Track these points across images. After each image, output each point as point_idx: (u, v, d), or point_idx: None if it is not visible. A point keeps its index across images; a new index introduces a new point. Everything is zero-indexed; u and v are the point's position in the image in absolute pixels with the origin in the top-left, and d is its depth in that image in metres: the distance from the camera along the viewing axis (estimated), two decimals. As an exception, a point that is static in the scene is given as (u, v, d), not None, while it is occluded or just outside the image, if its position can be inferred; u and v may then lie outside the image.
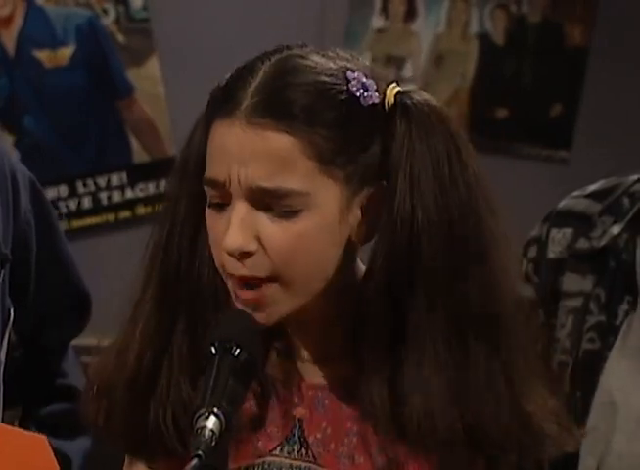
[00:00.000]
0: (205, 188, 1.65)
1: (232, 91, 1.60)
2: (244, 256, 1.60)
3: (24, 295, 2.07)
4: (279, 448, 1.72)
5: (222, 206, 1.62)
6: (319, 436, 1.71)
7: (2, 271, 2.02)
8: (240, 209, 1.60)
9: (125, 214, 3.72)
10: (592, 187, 2.14)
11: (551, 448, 1.70)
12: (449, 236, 1.62)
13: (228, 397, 1.56)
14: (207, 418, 1.52)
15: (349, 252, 1.65)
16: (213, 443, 1.51)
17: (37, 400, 2.15)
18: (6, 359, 2.05)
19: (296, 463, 1.71)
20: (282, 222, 1.61)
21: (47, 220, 2.12)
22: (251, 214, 1.61)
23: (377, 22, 4.00)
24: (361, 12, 4.01)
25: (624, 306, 2.07)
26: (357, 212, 1.62)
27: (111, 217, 3.75)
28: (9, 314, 2.05)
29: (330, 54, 1.62)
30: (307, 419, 1.71)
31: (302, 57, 1.61)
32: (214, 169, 1.62)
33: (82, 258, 3.63)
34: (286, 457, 1.72)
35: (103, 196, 3.75)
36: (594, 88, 3.81)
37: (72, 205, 3.74)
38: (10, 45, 3.90)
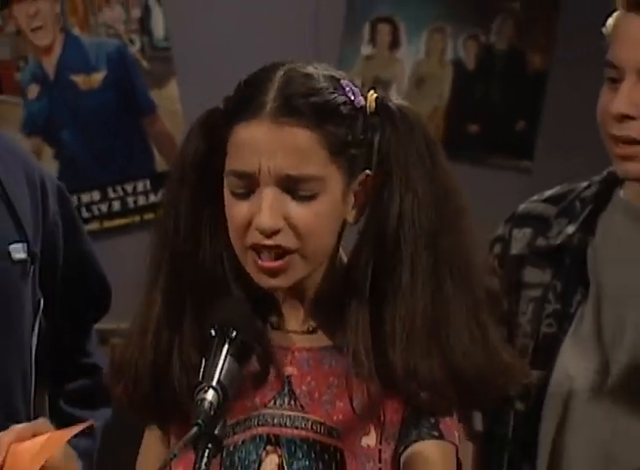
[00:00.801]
0: (231, 179, 1.69)
1: (253, 98, 1.67)
2: (273, 233, 1.66)
3: (52, 287, 2.10)
4: (272, 402, 1.75)
5: (247, 194, 1.66)
6: (305, 389, 1.75)
7: (32, 267, 2.06)
8: (269, 194, 1.65)
9: (149, 216, 3.77)
10: (548, 192, 2.18)
11: (513, 381, 1.75)
12: (431, 216, 1.69)
13: (225, 373, 1.60)
14: (207, 391, 1.57)
15: (342, 231, 1.72)
16: (212, 413, 1.56)
17: (65, 377, 2.17)
18: (37, 342, 2.09)
19: (286, 413, 1.75)
20: (303, 204, 1.67)
21: (72, 222, 2.16)
22: (278, 199, 1.66)
23: (366, 50, 4.05)
24: (352, 41, 4.05)
25: (578, 297, 2.09)
26: (352, 197, 1.70)
27: (136, 219, 3.80)
28: (39, 304, 2.09)
29: (314, 65, 1.70)
30: (295, 376, 1.75)
31: (302, 68, 1.69)
32: (244, 163, 1.67)
33: (112, 254, 3.70)
34: (278, 409, 1.75)
35: (130, 200, 3.80)
36: (553, 107, 3.89)
37: (104, 208, 3.81)
38: (50, 70, 3.95)
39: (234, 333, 1.61)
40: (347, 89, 1.67)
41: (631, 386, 2.06)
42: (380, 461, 1.72)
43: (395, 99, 1.73)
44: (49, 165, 3.75)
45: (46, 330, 2.10)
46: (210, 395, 1.55)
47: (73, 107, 3.99)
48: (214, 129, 1.72)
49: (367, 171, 1.68)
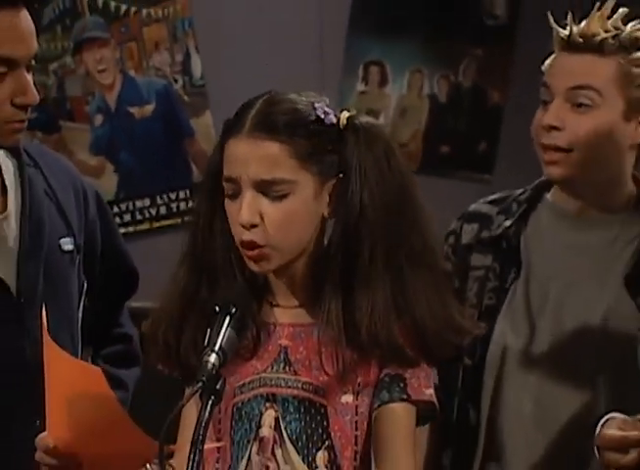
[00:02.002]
0: (225, 184, 1.75)
1: (238, 120, 1.72)
2: (252, 226, 1.71)
3: (93, 273, 2.15)
4: (270, 368, 1.81)
5: (235, 195, 1.73)
6: (298, 357, 1.80)
7: (78, 257, 2.10)
8: (248, 195, 1.71)
9: (188, 218, 3.75)
10: (492, 197, 2.25)
11: (466, 336, 1.82)
12: (387, 209, 1.75)
13: (226, 340, 1.65)
14: (210, 355, 1.63)
15: (321, 224, 1.76)
16: (214, 371, 1.61)
17: (103, 343, 2.22)
18: (82, 316, 2.13)
19: (281, 376, 1.81)
20: (276, 203, 1.72)
21: (107, 222, 2.22)
22: (255, 199, 1.71)
23: (360, 86, 4.11)
24: (350, 80, 4.11)
25: (512, 276, 2.15)
26: (326, 196, 1.74)
27: (178, 220, 3.92)
28: (83, 286, 2.13)
29: (303, 93, 1.77)
30: (290, 346, 1.81)
31: (283, 95, 1.76)
32: (230, 171, 1.72)
33: (159, 249, 3.85)
34: (275, 373, 1.81)
35: (173, 206, 3.90)
36: (508, 132, 3.97)
37: (153, 212, 3.92)
38: (111, 103, 4.07)
39: (233, 309, 1.67)
40: (319, 111, 1.72)
41: (552, 346, 2.13)
42: (356, 414, 1.79)
43: (365, 118, 1.80)
44: (110, 178, 3.93)
45: (89, 307, 2.14)
46: (213, 357, 1.62)
47: (130, 132, 4.09)
48: (220, 146, 1.76)
49: (340, 175, 1.74)
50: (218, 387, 1.62)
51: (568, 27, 2.08)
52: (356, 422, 1.79)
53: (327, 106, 1.74)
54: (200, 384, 1.58)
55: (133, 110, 4.04)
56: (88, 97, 4.11)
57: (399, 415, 1.80)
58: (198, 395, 1.60)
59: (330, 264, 1.77)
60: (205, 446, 1.64)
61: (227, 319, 1.66)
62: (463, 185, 3.96)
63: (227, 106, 1.83)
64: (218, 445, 1.80)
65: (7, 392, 1.94)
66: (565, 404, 2.12)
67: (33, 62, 1.98)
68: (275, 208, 1.71)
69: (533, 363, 2.16)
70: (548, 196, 2.18)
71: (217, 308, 1.67)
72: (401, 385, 1.78)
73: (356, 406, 1.79)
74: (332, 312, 1.76)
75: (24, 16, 1.94)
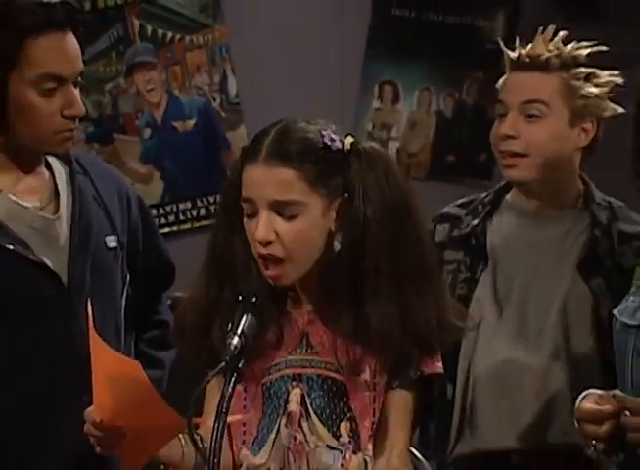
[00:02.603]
0: (243, 204, 1.75)
1: (255, 147, 1.73)
2: (267, 243, 1.72)
3: (135, 266, 2.13)
4: (294, 351, 1.81)
5: (253, 215, 1.73)
6: (318, 340, 1.80)
7: (121, 252, 2.09)
8: (264, 215, 1.71)
9: None
10: (460, 200, 2.31)
11: (455, 335, 1.83)
12: (388, 222, 1.75)
13: (247, 326, 1.68)
14: (232, 338, 1.65)
15: (329, 238, 1.77)
16: (236, 352, 1.63)
17: (144, 328, 2.20)
18: (125, 305, 2.11)
19: (305, 358, 1.81)
20: (289, 222, 1.72)
21: (148, 222, 2.21)
22: (270, 218, 1.71)
23: (375, 103, 4.12)
24: (366, 98, 4.12)
25: (480, 267, 2.20)
26: (333, 213, 1.75)
27: None
28: (126, 278, 2.11)
29: (312, 122, 1.76)
30: (310, 331, 1.81)
31: (295, 124, 1.75)
32: (248, 192, 1.74)
33: (199, 246, 3.92)
34: (299, 355, 1.81)
35: (212, 208, 3.86)
36: None
37: (194, 213, 3.95)
38: (158, 118, 4.11)
39: (254, 298, 1.70)
40: (327, 138, 1.73)
41: (518, 328, 2.17)
42: (374, 390, 1.79)
43: (367, 143, 1.81)
44: (157, 184, 3.97)
45: (132, 296, 2.13)
46: (235, 340, 1.64)
47: (174, 144, 4.12)
48: (237, 169, 1.78)
49: (345, 194, 1.74)
50: (240, 366, 1.64)
51: (516, 50, 2.13)
52: (374, 396, 1.80)
53: (333, 133, 1.75)
54: (223, 363, 1.61)
55: (177, 124, 4.08)
56: (138, 113, 4.13)
57: (407, 395, 1.81)
58: (222, 373, 1.62)
59: (339, 275, 1.76)
60: (230, 419, 1.66)
61: (248, 307, 1.69)
62: (466, 190, 3.57)
63: (259, 121, 1.87)
64: (241, 418, 1.80)
65: (58, 369, 1.94)
66: (529, 376, 2.13)
67: (80, 78, 1.98)
68: (288, 226, 1.71)
69: (501, 343, 2.16)
70: (508, 197, 2.21)
71: (240, 298, 1.70)
72: (411, 370, 1.79)
73: (374, 384, 1.79)
74: (343, 319, 1.76)
75: (70, 38, 1.93)
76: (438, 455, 2.18)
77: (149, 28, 4.10)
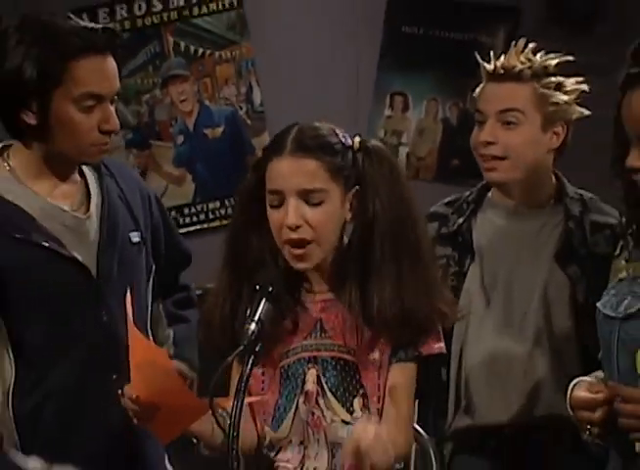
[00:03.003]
0: (269, 196, 1.75)
1: (279, 143, 1.75)
2: (297, 227, 1.73)
3: (159, 257, 2.14)
4: (309, 336, 1.82)
5: (279, 205, 1.74)
6: (331, 325, 1.81)
7: (144, 247, 2.08)
8: (292, 202, 1.73)
9: None
10: (446, 200, 2.29)
11: (446, 323, 1.84)
12: (393, 214, 1.77)
13: (264, 312, 1.68)
14: (250, 324, 1.66)
15: (343, 228, 1.79)
16: (253, 337, 1.64)
17: (169, 294, 2.19)
18: (152, 289, 2.12)
19: (320, 341, 1.81)
20: (315, 208, 1.74)
21: (166, 220, 2.20)
22: (298, 205, 1.73)
23: (387, 112, 4.14)
24: (379, 107, 4.14)
25: (468, 261, 2.19)
26: (348, 204, 1.77)
27: None
28: (152, 268, 2.12)
29: (323, 123, 1.79)
30: (324, 318, 1.82)
31: (309, 123, 1.79)
32: (275, 184, 1.74)
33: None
34: (314, 339, 1.82)
35: None
36: None
37: (222, 212, 3.99)
38: (190, 126, 4.15)
39: (270, 288, 1.70)
40: (340, 135, 1.77)
41: (504, 314, 2.16)
42: (381, 367, 1.80)
43: (373, 142, 1.82)
44: (189, 185, 4.02)
45: (157, 280, 2.14)
46: (253, 326, 1.65)
47: (204, 149, 4.14)
48: (258, 167, 1.79)
49: (357, 187, 1.77)
50: (257, 349, 1.65)
51: (492, 62, 2.12)
52: (380, 373, 1.80)
53: (344, 132, 1.79)
54: (242, 347, 1.63)
55: (207, 131, 4.12)
56: (172, 121, 4.18)
57: (409, 369, 1.82)
58: (240, 356, 1.63)
59: (351, 259, 1.79)
60: (249, 399, 1.68)
61: (265, 295, 1.69)
62: (467, 190, 3.55)
63: (281, 128, 1.85)
64: (259, 398, 1.80)
65: (90, 352, 1.95)
66: (515, 358, 2.13)
67: (116, 97, 1.99)
68: (314, 212, 1.74)
69: (489, 329, 2.16)
70: (489, 195, 2.22)
71: (258, 287, 1.70)
72: (412, 348, 1.80)
73: (381, 362, 1.80)
74: (353, 297, 1.77)
75: (110, 60, 1.95)
76: (437, 431, 2.17)
77: (182, 45, 4.16)
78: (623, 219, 1.89)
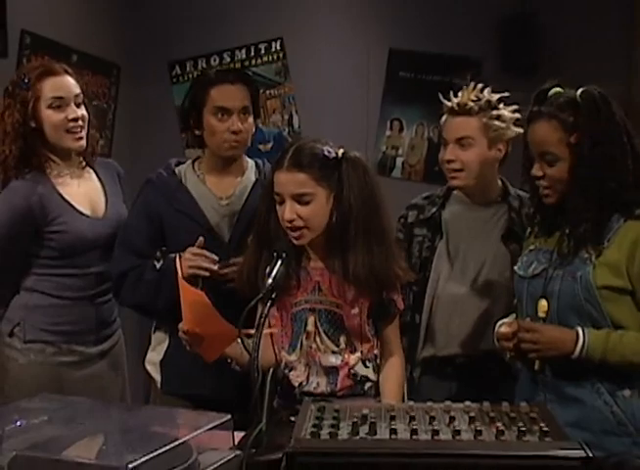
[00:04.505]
0: (275, 196, 1.77)
1: (281, 160, 1.76)
2: (291, 221, 1.74)
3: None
4: (309, 294, 1.83)
5: (281, 203, 1.75)
6: (326, 286, 1.82)
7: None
8: (288, 203, 1.73)
9: None
10: (424, 194, 2.30)
11: (400, 280, 1.85)
12: (364, 206, 1.77)
13: (279, 273, 1.70)
14: (268, 279, 1.69)
15: (330, 216, 1.77)
16: (270, 288, 1.66)
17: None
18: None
19: (317, 298, 1.82)
20: (305, 206, 1.73)
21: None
22: (292, 205, 1.73)
23: (388, 132, 4.25)
24: (382, 129, 4.24)
25: (437, 239, 2.18)
26: (332, 199, 1.76)
27: None
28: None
29: (317, 140, 1.79)
30: (320, 280, 1.83)
31: (305, 142, 1.78)
32: (278, 189, 1.75)
33: None
34: (313, 296, 1.83)
35: None
36: None
37: None
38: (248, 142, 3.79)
39: (284, 254, 1.73)
40: (326, 151, 1.75)
41: (463, 277, 2.17)
42: (360, 318, 1.83)
43: (353, 152, 1.80)
44: None
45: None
46: (270, 280, 1.68)
47: (259, 158, 3.07)
48: (272, 174, 1.79)
49: (339, 185, 1.76)
50: (273, 296, 1.66)
51: (451, 100, 2.12)
52: (360, 322, 1.84)
53: (330, 146, 1.78)
54: (261, 294, 1.65)
55: (260, 146, 4.23)
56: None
57: (394, 321, 1.90)
58: (261, 301, 1.65)
59: (334, 237, 1.80)
60: (266, 331, 1.68)
61: (280, 260, 1.72)
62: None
63: None
64: (274, 330, 1.81)
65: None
66: (468, 305, 2.15)
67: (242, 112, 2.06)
68: (304, 209, 1.75)
69: (452, 284, 2.17)
70: (454, 193, 2.24)
71: (275, 254, 1.73)
72: (391, 304, 1.87)
73: (360, 314, 1.84)
74: (336, 264, 1.81)
75: (237, 87, 2.05)
76: (411, 360, 2.16)
77: None
78: (532, 210, 1.91)
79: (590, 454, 1.16)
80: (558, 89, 1.70)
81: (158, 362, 2.11)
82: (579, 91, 1.67)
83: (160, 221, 2.04)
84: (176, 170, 2.13)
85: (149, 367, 2.13)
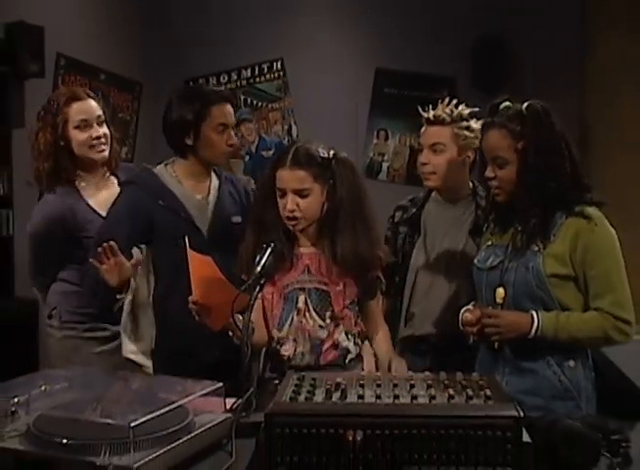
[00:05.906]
0: (277, 190, 1.74)
1: (283, 158, 1.73)
2: (292, 211, 1.73)
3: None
4: (299, 276, 1.80)
5: (283, 196, 1.73)
6: (315, 268, 1.80)
7: (242, 225, 1.97)
8: (290, 196, 1.72)
9: None
10: (409, 197, 2.24)
11: (382, 262, 1.82)
12: (352, 199, 1.76)
13: (268, 261, 1.67)
14: (257, 267, 1.65)
15: (322, 208, 1.76)
16: (259, 274, 1.64)
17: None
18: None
19: (307, 278, 1.79)
20: (304, 199, 1.72)
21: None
22: (294, 198, 1.72)
23: (375, 141, 4.42)
24: (369, 137, 4.41)
25: (416, 235, 2.14)
26: (325, 193, 1.74)
27: None
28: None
29: (313, 143, 1.76)
30: (309, 264, 1.80)
31: (304, 144, 1.75)
32: (281, 184, 1.73)
33: None
34: (303, 277, 1.80)
35: None
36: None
37: None
38: (253, 150, 4.46)
39: (272, 244, 1.70)
40: (321, 152, 1.74)
41: (437, 264, 2.13)
42: (345, 296, 1.81)
43: (342, 154, 1.78)
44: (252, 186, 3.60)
45: None
46: (259, 268, 1.65)
47: (262, 164, 4.36)
48: (272, 171, 1.76)
49: (331, 181, 1.74)
50: (262, 282, 1.65)
51: (427, 112, 2.09)
52: (344, 299, 1.83)
53: (324, 149, 1.76)
54: (253, 277, 1.63)
55: (263, 153, 4.42)
56: (243, 147, 4.45)
57: (378, 295, 1.90)
58: (251, 286, 1.60)
59: (325, 225, 1.80)
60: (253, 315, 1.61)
61: (269, 249, 1.69)
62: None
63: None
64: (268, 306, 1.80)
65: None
66: (441, 290, 2.12)
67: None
68: (303, 201, 1.74)
69: (429, 272, 2.15)
70: (433, 194, 2.20)
71: (265, 245, 1.71)
72: (373, 284, 1.86)
73: (344, 292, 1.83)
74: (326, 248, 1.80)
75: (229, 106, 2.04)
76: (393, 340, 2.09)
77: (249, 100, 4.45)
78: (488, 208, 1.92)
79: (522, 414, 1.20)
80: (507, 103, 1.75)
81: (146, 351, 2.11)
82: (525, 105, 1.72)
83: (146, 218, 2.03)
84: (155, 171, 2.16)
85: (132, 356, 2.12)
